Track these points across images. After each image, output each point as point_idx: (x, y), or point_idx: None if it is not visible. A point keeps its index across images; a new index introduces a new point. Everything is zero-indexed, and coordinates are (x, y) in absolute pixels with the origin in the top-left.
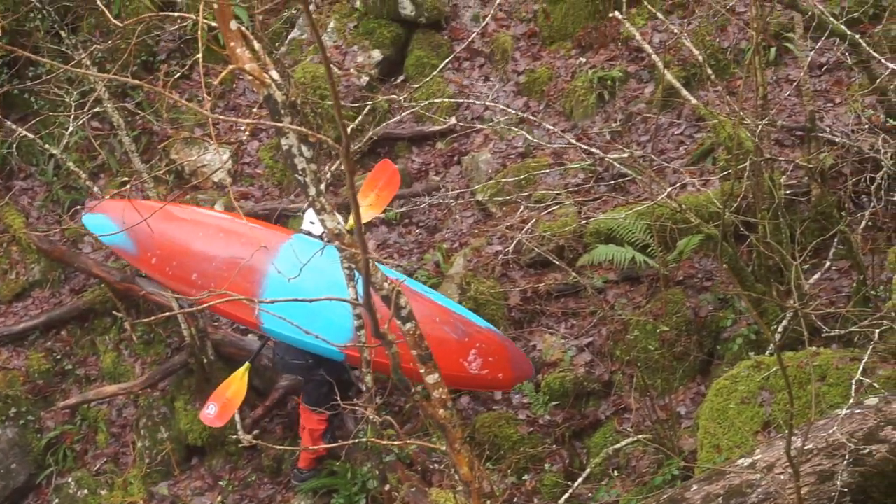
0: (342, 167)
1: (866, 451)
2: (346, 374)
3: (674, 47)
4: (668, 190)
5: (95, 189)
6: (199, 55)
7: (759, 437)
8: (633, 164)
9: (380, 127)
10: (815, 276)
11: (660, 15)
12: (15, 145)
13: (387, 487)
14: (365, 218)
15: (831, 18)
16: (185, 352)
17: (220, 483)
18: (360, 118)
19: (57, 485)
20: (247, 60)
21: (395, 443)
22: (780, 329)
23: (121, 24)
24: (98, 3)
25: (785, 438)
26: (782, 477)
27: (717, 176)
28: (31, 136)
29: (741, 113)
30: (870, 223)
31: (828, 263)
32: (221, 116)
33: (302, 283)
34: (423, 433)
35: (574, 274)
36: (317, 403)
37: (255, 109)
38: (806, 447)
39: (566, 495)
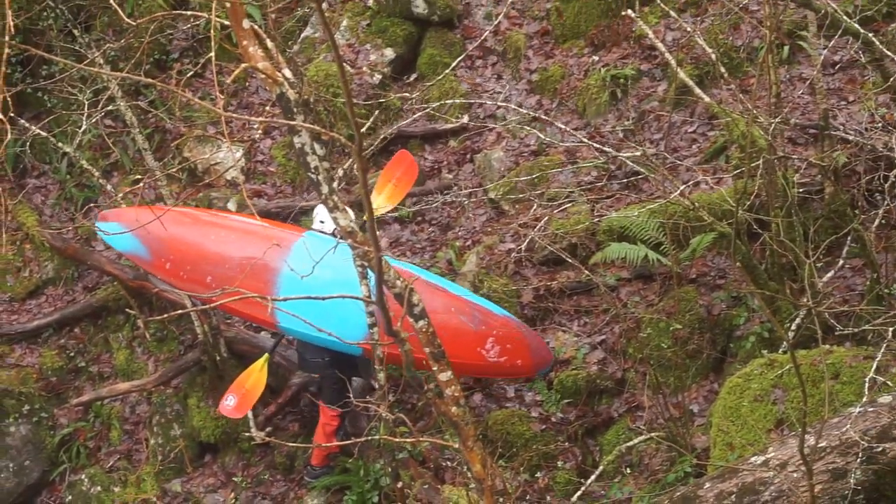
0: (355, 165)
1: (880, 449)
2: (363, 371)
3: (687, 45)
4: (681, 188)
5: (109, 187)
6: (212, 53)
7: (773, 435)
8: (645, 162)
9: (393, 126)
10: (829, 275)
11: (672, 13)
12: (28, 143)
13: (399, 484)
14: (384, 209)
15: (844, 17)
16: (198, 349)
17: (234, 480)
18: (372, 118)
19: (70, 481)
20: (259, 59)
21: (408, 440)
22: (793, 327)
23: (134, 23)
24: (111, 1)
25: (798, 436)
26: (795, 475)
27: (731, 174)
28: (44, 134)
29: (754, 111)
30: (883, 221)
31: (841, 261)
32: (234, 115)
33: (316, 280)
34: (436, 430)
35: (587, 272)
36: (333, 401)
37: (267, 108)
38: (819, 445)
39: (579, 493)
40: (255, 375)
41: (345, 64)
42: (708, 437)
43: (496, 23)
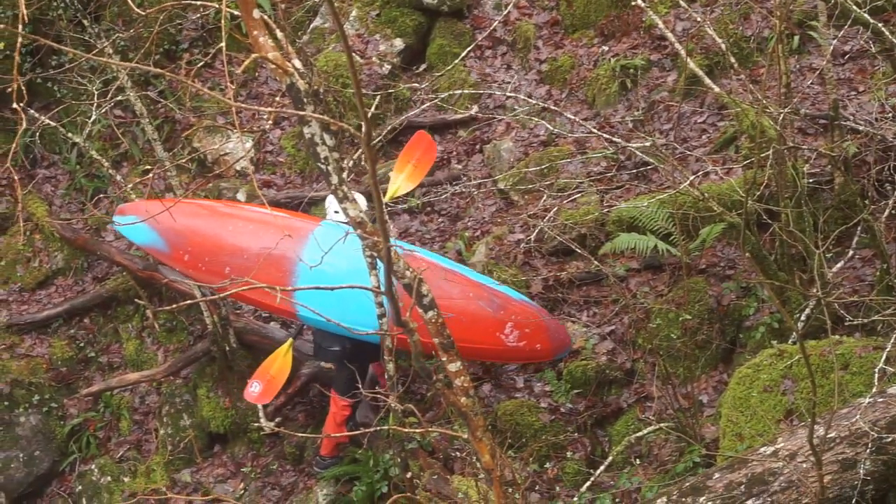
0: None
1: (889, 439)
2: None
3: (696, 35)
4: (691, 178)
5: (118, 177)
6: (222, 44)
7: (782, 426)
8: (655, 152)
9: (402, 116)
10: (839, 265)
11: (682, 3)
12: (38, 134)
13: (409, 475)
14: (405, 189)
15: (854, 7)
16: (207, 339)
17: (243, 470)
18: (374, 103)
19: (80, 472)
20: (269, 49)
21: (417, 430)
22: (802, 317)
23: (143, 13)
24: None
25: (807, 427)
26: (805, 465)
27: (740, 164)
28: (54, 124)
29: (764, 101)
30: (893, 211)
31: (851, 252)
32: (244, 105)
33: (333, 268)
34: (445, 421)
35: (596, 262)
36: (346, 391)
37: (277, 98)
38: (828, 436)
39: (588, 483)
40: (280, 361)
41: (354, 54)
42: (717, 427)
43: (506, 13)
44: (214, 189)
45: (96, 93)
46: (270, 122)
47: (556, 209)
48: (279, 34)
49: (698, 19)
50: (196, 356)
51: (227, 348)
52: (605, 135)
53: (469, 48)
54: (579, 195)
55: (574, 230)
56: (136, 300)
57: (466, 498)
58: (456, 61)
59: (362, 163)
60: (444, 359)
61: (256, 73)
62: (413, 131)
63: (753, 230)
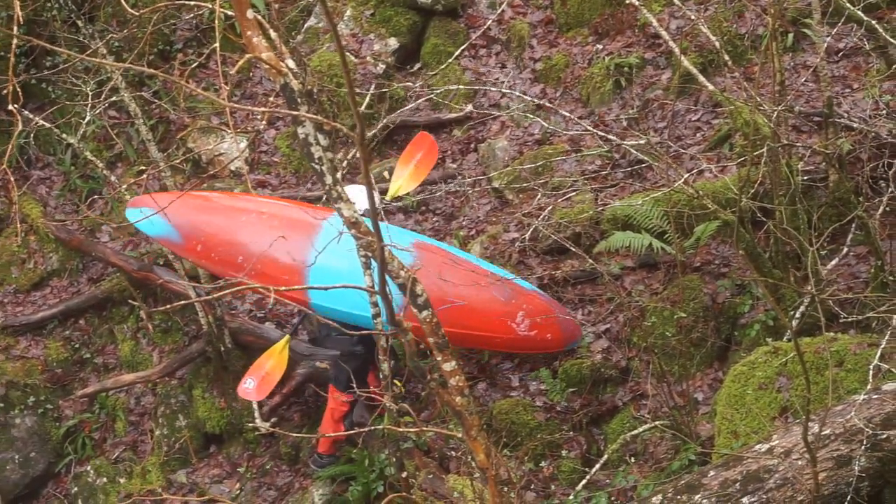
0: (358, 155)
1: (884, 436)
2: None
3: (691, 33)
4: (685, 176)
5: (113, 178)
6: (216, 44)
7: (777, 423)
8: (649, 150)
9: (396, 114)
10: (833, 262)
11: (676, 1)
12: (32, 135)
13: (404, 474)
14: (406, 189)
15: (848, 4)
16: (202, 340)
17: (239, 470)
18: (366, 101)
19: (76, 473)
20: (263, 49)
21: (413, 430)
22: (797, 315)
23: (137, 13)
24: None
25: (802, 424)
26: (800, 462)
27: (734, 162)
28: (48, 125)
29: (758, 99)
30: (888, 208)
31: (845, 249)
32: (238, 105)
33: (344, 261)
34: (441, 420)
35: (591, 261)
36: (346, 386)
37: (271, 98)
38: (823, 433)
39: (583, 481)
40: (276, 357)
41: (348, 54)
42: (712, 425)
43: (500, 11)
44: (209, 189)
45: (90, 93)
46: (265, 122)
47: (550, 208)
48: (273, 34)
49: (692, 17)
50: (191, 357)
51: (223, 349)
52: (599, 133)
53: (463, 47)
54: (574, 193)
55: (569, 228)
56: (130, 301)
57: (462, 497)
58: (450, 60)
59: (356, 157)
60: (439, 358)
61: (251, 74)
62: (407, 130)
63: (748, 228)
